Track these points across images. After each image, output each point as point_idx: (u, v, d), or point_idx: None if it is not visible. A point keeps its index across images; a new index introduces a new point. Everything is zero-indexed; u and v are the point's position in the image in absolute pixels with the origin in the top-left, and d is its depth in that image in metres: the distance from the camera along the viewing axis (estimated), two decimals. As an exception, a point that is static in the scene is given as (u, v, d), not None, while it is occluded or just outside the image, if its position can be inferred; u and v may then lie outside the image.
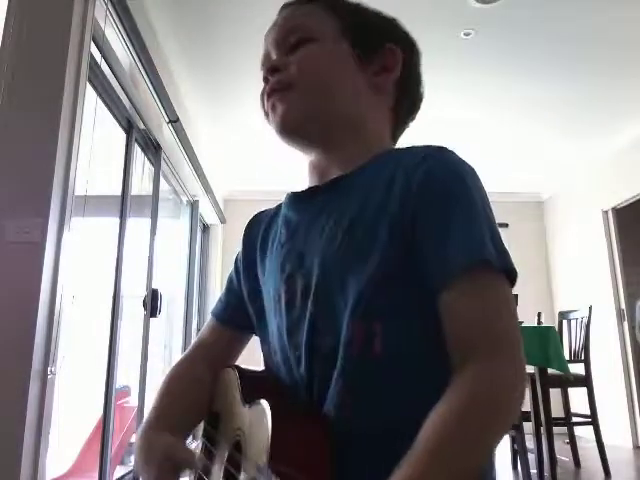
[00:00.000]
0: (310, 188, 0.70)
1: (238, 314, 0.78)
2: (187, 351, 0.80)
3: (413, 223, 0.55)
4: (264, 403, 0.52)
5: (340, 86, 0.68)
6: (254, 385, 0.64)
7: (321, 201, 0.66)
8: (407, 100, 0.74)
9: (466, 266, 0.51)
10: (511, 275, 0.53)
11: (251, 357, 0.79)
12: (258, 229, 0.78)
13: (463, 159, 0.60)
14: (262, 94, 0.72)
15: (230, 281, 0.82)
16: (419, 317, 0.54)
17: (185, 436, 0.69)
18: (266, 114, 0.72)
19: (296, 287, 0.63)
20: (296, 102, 0.67)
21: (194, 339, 0.83)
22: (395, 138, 0.75)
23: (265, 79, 0.70)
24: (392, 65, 0.70)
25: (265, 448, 0.47)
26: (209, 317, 0.83)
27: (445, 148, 0.61)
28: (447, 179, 0.56)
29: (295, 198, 0.71)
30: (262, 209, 0.83)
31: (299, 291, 0.62)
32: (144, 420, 0.69)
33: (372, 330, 0.54)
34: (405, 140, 0.74)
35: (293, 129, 0.68)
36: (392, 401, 0.54)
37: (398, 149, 0.69)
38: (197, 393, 0.73)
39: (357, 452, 0.52)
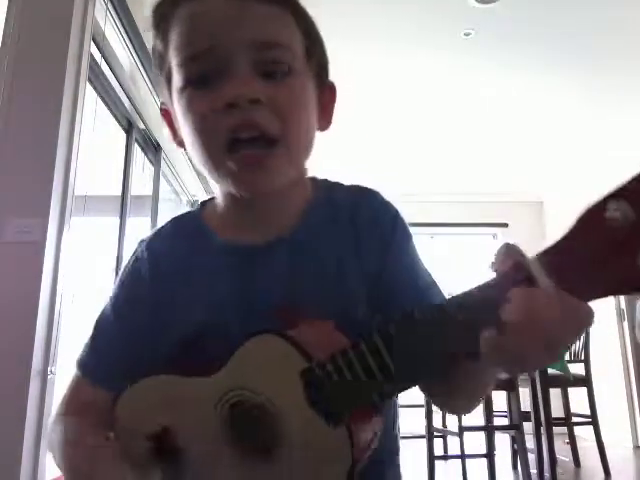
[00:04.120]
0: (251, 245, 0.61)
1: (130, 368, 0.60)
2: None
3: (379, 269, 0.61)
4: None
5: (313, 134, 0.61)
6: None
7: (269, 262, 0.60)
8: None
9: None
10: None
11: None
12: (169, 260, 0.64)
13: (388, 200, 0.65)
14: (193, 102, 0.55)
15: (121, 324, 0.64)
16: None
17: None
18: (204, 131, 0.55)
19: None
20: (282, 165, 0.56)
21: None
22: None
23: (231, 105, 0.52)
24: (331, 103, 0.65)
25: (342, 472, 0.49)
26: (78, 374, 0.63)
27: (372, 190, 0.65)
28: (390, 225, 0.63)
29: (233, 250, 0.61)
30: None
31: None
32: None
33: None
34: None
35: (268, 192, 0.58)
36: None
37: (328, 191, 0.65)
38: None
39: None
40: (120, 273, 0.67)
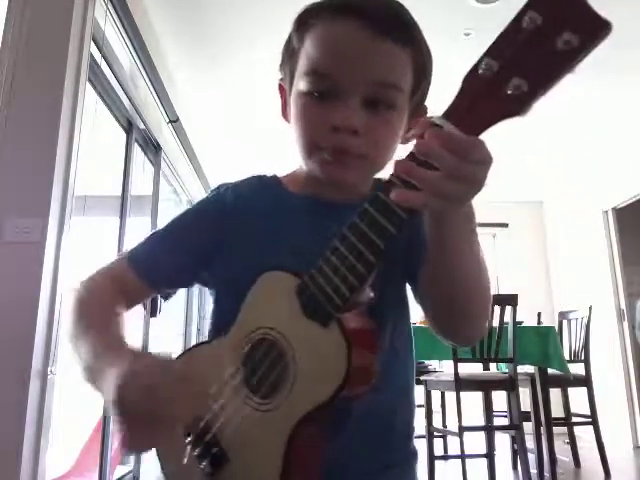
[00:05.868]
0: (329, 201, 0.73)
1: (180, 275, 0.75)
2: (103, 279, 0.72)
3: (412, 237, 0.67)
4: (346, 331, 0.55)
5: (395, 151, 0.73)
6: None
7: (341, 217, 0.72)
8: None
9: None
10: None
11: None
12: (252, 201, 0.75)
13: None
14: (307, 110, 0.67)
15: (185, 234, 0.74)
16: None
17: None
18: (307, 141, 0.67)
19: None
20: (366, 172, 0.70)
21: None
22: None
23: (335, 128, 0.64)
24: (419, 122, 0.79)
25: (336, 381, 0.53)
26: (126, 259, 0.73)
27: None
28: None
29: (314, 202, 0.73)
30: None
31: None
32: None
33: None
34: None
35: (346, 188, 0.70)
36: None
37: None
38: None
39: None
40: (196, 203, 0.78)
